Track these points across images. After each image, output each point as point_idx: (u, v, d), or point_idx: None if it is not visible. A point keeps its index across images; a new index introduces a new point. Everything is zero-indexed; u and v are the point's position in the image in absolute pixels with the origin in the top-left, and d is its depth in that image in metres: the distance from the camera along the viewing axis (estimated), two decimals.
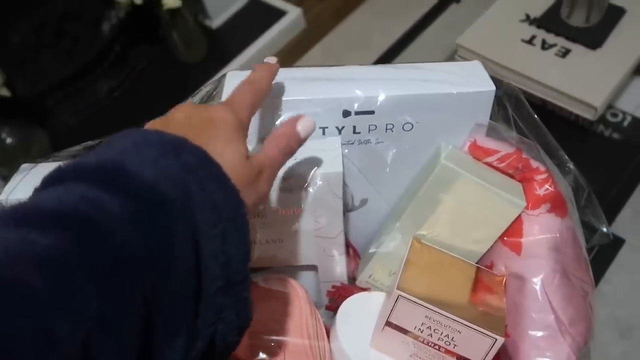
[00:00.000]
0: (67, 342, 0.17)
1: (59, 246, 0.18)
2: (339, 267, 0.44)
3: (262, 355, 0.38)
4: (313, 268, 0.45)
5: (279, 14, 1.60)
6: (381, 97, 0.39)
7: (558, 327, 0.38)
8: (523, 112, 0.44)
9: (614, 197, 0.84)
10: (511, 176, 0.43)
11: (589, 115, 0.79)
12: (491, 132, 0.43)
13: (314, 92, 0.39)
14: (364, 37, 1.58)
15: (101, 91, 1.45)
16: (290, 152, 0.31)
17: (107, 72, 1.44)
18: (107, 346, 0.18)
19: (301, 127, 0.31)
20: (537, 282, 0.40)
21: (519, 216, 0.41)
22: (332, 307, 0.47)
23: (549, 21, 0.85)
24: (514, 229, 0.42)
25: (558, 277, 0.40)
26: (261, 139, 0.41)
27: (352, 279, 0.48)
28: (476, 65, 0.42)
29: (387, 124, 0.41)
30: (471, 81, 0.40)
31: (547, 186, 0.41)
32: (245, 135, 0.29)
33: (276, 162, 0.30)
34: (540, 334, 0.39)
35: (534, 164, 0.42)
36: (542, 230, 0.41)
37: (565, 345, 0.38)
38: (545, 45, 0.84)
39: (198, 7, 1.54)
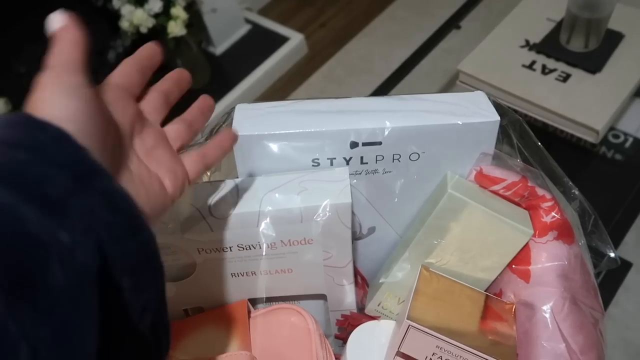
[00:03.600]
0: None
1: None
2: (348, 296, 0.44)
3: None
4: (322, 297, 0.45)
5: (281, 40, 1.63)
6: (388, 128, 0.40)
7: (569, 355, 0.38)
8: (527, 140, 0.44)
9: (618, 220, 0.84)
10: (517, 204, 0.43)
11: (591, 138, 0.79)
12: (497, 160, 0.43)
13: (321, 124, 0.40)
14: (365, 63, 1.60)
15: None
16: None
17: None
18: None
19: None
20: (546, 310, 0.40)
21: (527, 244, 0.42)
22: (342, 337, 0.47)
23: (549, 47, 0.86)
24: (522, 257, 0.42)
25: (567, 304, 0.40)
26: (269, 171, 0.42)
27: (361, 307, 0.48)
28: (480, 96, 0.43)
29: (394, 154, 0.41)
30: (476, 112, 0.41)
31: (553, 214, 0.42)
32: None
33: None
34: None
35: (540, 191, 0.42)
36: (550, 258, 0.41)
37: None
38: (545, 70, 0.85)
39: (202, 35, 1.57)
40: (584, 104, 0.79)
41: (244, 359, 0.39)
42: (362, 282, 0.50)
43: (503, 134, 0.44)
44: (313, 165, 0.42)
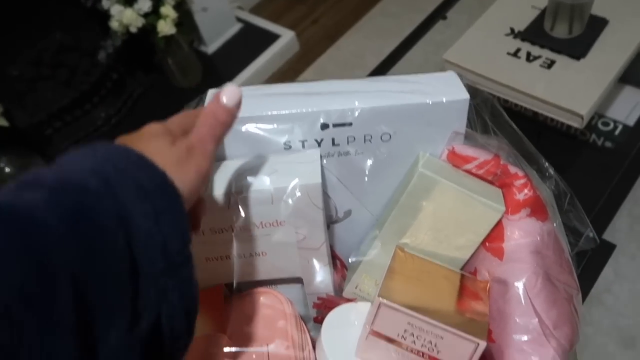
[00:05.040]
0: None
1: None
2: (324, 279, 0.44)
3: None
4: (299, 281, 0.45)
5: (272, 37, 1.63)
6: (357, 109, 0.40)
7: (542, 330, 0.38)
8: (500, 120, 0.45)
9: (608, 204, 0.84)
10: (490, 182, 0.43)
11: (576, 123, 0.79)
12: (469, 139, 0.43)
13: (290, 106, 0.40)
14: (357, 58, 1.61)
15: (99, 119, 1.47)
16: (221, 125, 0.31)
17: (104, 100, 1.47)
18: (30, 318, 0.19)
19: (226, 97, 0.30)
20: (519, 286, 0.40)
21: (500, 221, 0.42)
22: (319, 320, 0.47)
23: (533, 34, 0.87)
24: (495, 235, 0.42)
25: (540, 280, 0.40)
26: (242, 155, 0.42)
27: (339, 290, 0.48)
28: (451, 76, 0.43)
29: (365, 135, 0.41)
30: (446, 91, 0.41)
31: (526, 191, 0.42)
32: (173, 138, 0.29)
33: (206, 138, 0.30)
34: (524, 338, 0.39)
35: (512, 169, 0.42)
36: (523, 235, 0.41)
37: (551, 348, 0.38)
38: (530, 58, 0.85)
39: (193, 34, 1.57)
40: (568, 90, 0.80)
41: (218, 340, 0.40)
42: (341, 266, 0.50)
43: (477, 114, 0.44)
44: (285, 149, 0.42)
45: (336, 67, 1.61)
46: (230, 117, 0.31)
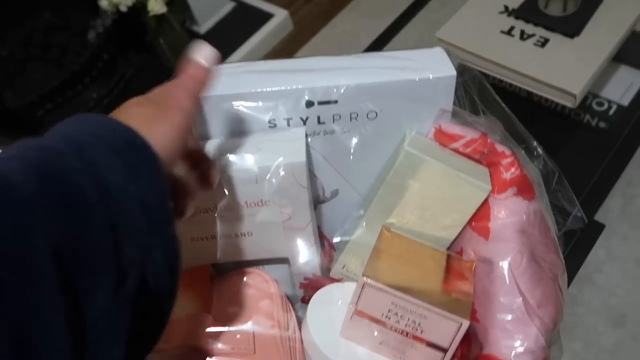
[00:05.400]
0: None
1: None
2: (311, 259, 0.44)
3: (231, 345, 0.38)
4: (285, 261, 0.45)
5: (266, 17, 1.61)
6: (342, 86, 0.39)
7: (526, 309, 0.38)
8: (488, 98, 0.44)
9: (600, 184, 0.84)
10: (477, 161, 0.43)
11: (568, 102, 0.79)
12: (456, 118, 0.43)
13: (275, 83, 0.40)
14: (351, 38, 1.59)
15: (91, 100, 1.45)
16: (195, 82, 0.31)
17: (96, 81, 1.45)
18: (8, 275, 0.19)
19: (198, 55, 0.31)
20: (504, 265, 0.40)
21: (486, 200, 0.41)
22: (307, 300, 0.47)
23: (527, 12, 0.85)
24: (481, 214, 0.42)
25: (525, 259, 0.40)
26: (226, 133, 0.42)
27: (327, 271, 0.48)
28: (438, 52, 0.42)
29: (351, 113, 0.41)
30: (432, 67, 0.40)
31: (513, 170, 0.41)
32: (150, 103, 0.29)
33: (180, 94, 0.30)
34: (508, 317, 0.39)
35: (500, 148, 0.42)
36: (509, 214, 0.41)
37: (534, 327, 0.38)
38: (524, 36, 0.84)
39: (185, 13, 1.54)
40: (561, 69, 0.79)
41: (203, 319, 0.40)
42: (329, 247, 0.49)
43: (465, 92, 0.44)
44: (270, 127, 0.41)
45: (330, 47, 1.59)
46: (203, 72, 0.31)
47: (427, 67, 0.40)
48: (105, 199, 0.23)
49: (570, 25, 0.82)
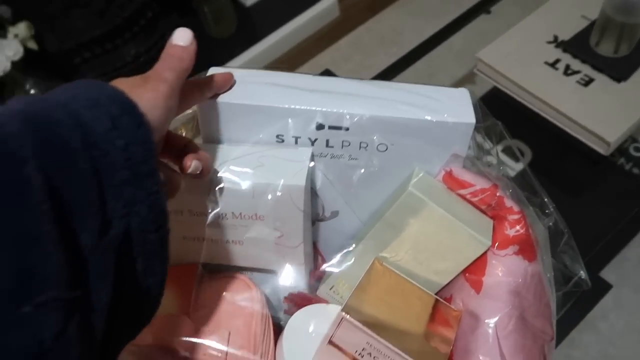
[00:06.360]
0: None
1: None
2: (297, 278, 0.44)
3: (202, 352, 0.38)
4: (274, 272, 0.45)
5: None
6: (356, 115, 0.38)
7: None
8: (507, 148, 0.42)
9: (625, 231, 0.81)
10: (484, 212, 0.41)
11: (601, 149, 0.76)
12: (470, 165, 0.41)
13: (289, 100, 0.39)
14: (395, 34, 1.55)
15: (128, 55, 1.46)
16: (176, 59, 0.33)
17: (135, 37, 1.46)
18: (4, 197, 0.20)
19: (176, 38, 0.34)
20: (490, 324, 0.38)
21: (485, 254, 0.40)
22: (290, 313, 0.47)
23: (576, 46, 0.82)
24: (477, 266, 0.41)
25: (513, 322, 0.38)
26: (232, 140, 0.41)
27: (315, 286, 0.47)
28: (462, 94, 0.40)
29: (360, 142, 0.40)
30: (453, 110, 0.39)
31: (518, 227, 0.40)
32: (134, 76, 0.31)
33: (163, 68, 0.32)
34: None
35: (508, 203, 0.40)
36: (506, 273, 0.39)
37: None
38: (568, 71, 0.81)
39: None
40: (600, 113, 0.75)
41: (180, 322, 0.40)
42: (322, 263, 0.49)
43: (484, 139, 0.42)
44: (277, 141, 0.40)
45: (372, 41, 1.56)
46: (181, 50, 0.33)
47: (447, 109, 0.39)
48: (89, 146, 0.24)
49: (619, 69, 0.78)
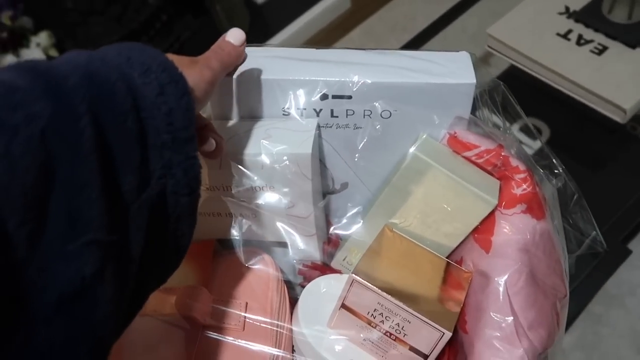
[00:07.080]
0: (24, 131, 0.21)
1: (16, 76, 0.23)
2: (309, 248, 0.45)
3: (221, 321, 0.40)
4: (287, 246, 0.46)
5: None
6: (357, 82, 0.39)
7: (516, 329, 0.38)
8: (511, 109, 0.43)
9: (633, 204, 0.79)
10: (490, 173, 0.42)
11: (618, 117, 0.74)
12: (474, 126, 0.42)
13: (291, 72, 0.40)
14: (407, 21, 1.55)
15: None
16: (225, 53, 0.35)
17: (152, 41, 1.49)
18: (61, 147, 0.22)
19: (229, 35, 0.36)
20: (500, 281, 0.39)
21: (492, 214, 0.41)
22: (304, 286, 0.48)
23: (589, 15, 0.80)
24: (485, 227, 0.41)
25: (523, 279, 0.39)
26: (241, 117, 0.42)
27: (330, 257, 0.48)
28: (463, 57, 0.41)
29: (364, 110, 0.41)
30: (453, 72, 0.39)
31: (525, 186, 0.40)
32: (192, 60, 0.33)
33: (211, 57, 0.34)
34: (497, 333, 0.38)
35: (514, 162, 0.41)
36: (514, 231, 0.40)
37: (521, 348, 0.38)
38: (581, 41, 0.80)
39: None
40: (615, 80, 0.74)
41: (198, 293, 0.41)
42: (336, 237, 0.50)
43: (492, 100, 0.43)
44: (283, 115, 0.42)
45: (385, 29, 1.56)
46: (232, 47, 0.36)
47: (448, 71, 0.39)
48: (138, 108, 0.26)
49: (633, 35, 0.77)
